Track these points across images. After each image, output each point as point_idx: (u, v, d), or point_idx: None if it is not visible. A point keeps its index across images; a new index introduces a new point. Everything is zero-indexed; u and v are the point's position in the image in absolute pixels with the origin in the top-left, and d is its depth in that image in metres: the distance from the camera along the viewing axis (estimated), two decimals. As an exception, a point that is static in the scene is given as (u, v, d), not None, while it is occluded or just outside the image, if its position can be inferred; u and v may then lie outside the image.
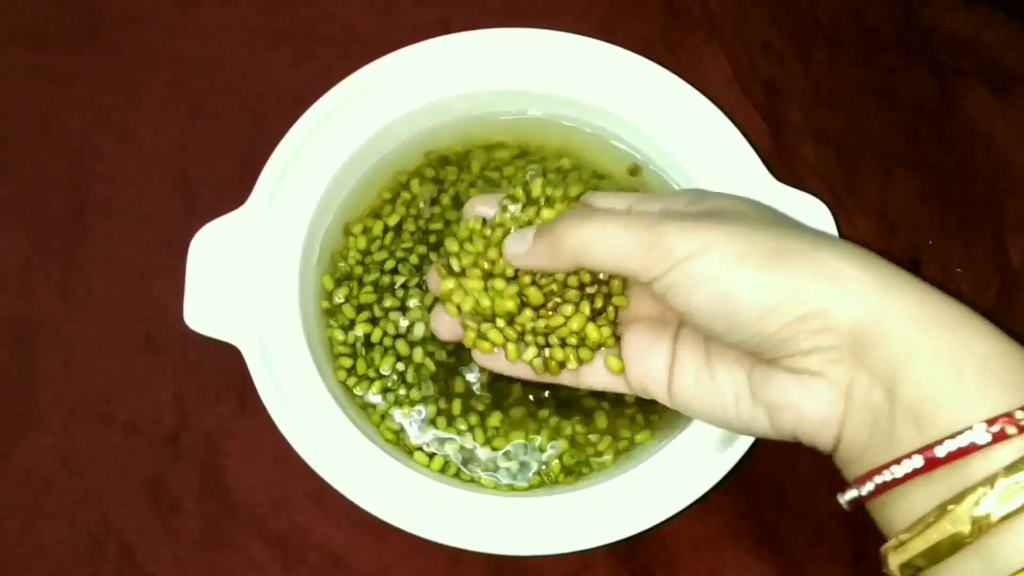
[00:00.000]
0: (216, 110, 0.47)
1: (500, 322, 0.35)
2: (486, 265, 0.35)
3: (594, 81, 0.43)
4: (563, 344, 0.35)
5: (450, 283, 0.36)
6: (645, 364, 0.35)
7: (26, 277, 0.44)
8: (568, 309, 0.35)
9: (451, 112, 0.44)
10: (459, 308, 0.36)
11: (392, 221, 0.42)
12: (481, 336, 0.35)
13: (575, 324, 0.35)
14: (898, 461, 0.28)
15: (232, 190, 0.40)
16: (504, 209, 0.36)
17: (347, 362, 0.40)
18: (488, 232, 0.36)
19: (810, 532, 0.40)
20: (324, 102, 0.41)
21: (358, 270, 0.41)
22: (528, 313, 0.35)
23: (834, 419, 0.30)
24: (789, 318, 0.30)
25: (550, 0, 0.49)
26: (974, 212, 0.46)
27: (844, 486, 0.31)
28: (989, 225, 0.46)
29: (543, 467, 0.39)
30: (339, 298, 0.41)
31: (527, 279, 0.35)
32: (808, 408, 0.31)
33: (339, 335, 0.40)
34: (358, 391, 0.39)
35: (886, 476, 0.29)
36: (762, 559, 0.39)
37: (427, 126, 0.43)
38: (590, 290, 0.35)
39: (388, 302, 0.41)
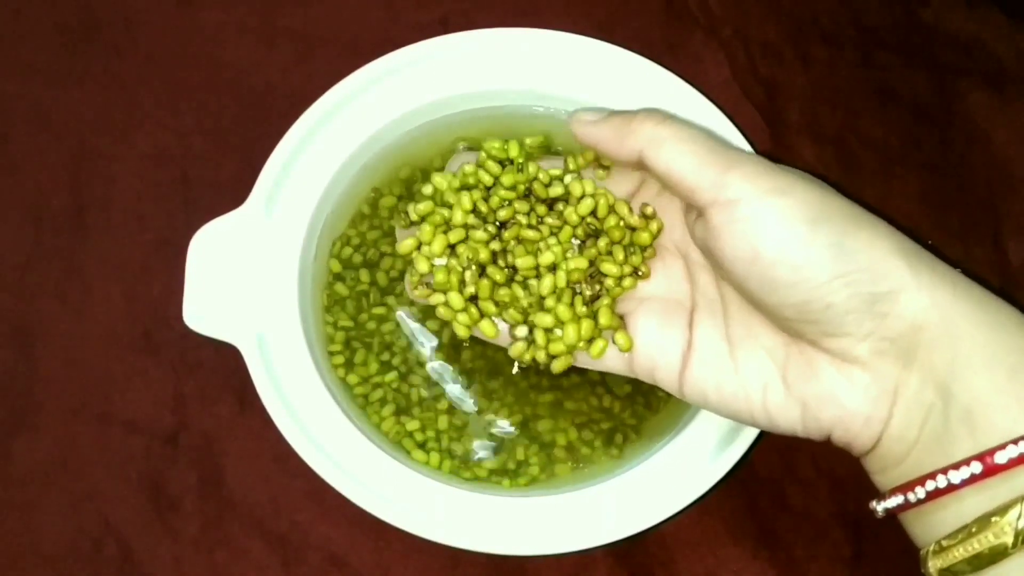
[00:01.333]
0: (216, 110, 0.47)
1: (467, 281, 0.34)
2: (445, 213, 0.35)
3: (594, 81, 0.43)
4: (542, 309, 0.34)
5: (409, 241, 0.35)
6: (655, 348, 0.33)
7: (25, 277, 0.44)
8: (547, 255, 0.34)
9: (451, 111, 0.44)
10: (421, 271, 0.35)
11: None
12: (446, 305, 0.35)
13: (546, 259, 0.34)
14: (956, 466, 0.27)
15: (231, 190, 0.40)
16: (481, 163, 0.36)
17: (344, 356, 0.40)
18: (454, 181, 0.36)
19: (810, 532, 0.40)
20: (324, 102, 0.41)
21: (358, 259, 0.41)
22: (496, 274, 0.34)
23: (878, 417, 0.29)
24: (859, 291, 0.28)
25: (550, 0, 0.49)
26: (973, 212, 0.46)
27: (877, 492, 0.30)
28: (988, 225, 0.46)
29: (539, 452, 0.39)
30: (341, 288, 0.41)
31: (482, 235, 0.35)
32: (852, 402, 0.29)
33: (341, 322, 0.40)
34: (355, 384, 0.39)
35: (940, 482, 0.27)
36: (761, 559, 0.39)
37: (427, 126, 0.43)
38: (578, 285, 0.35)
39: (389, 299, 0.41)
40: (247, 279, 0.39)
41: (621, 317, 0.35)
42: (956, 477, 0.27)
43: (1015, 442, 0.26)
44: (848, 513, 0.40)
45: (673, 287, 0.35)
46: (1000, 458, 0.26)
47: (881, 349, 0.29)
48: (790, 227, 0.29)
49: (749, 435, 0.36)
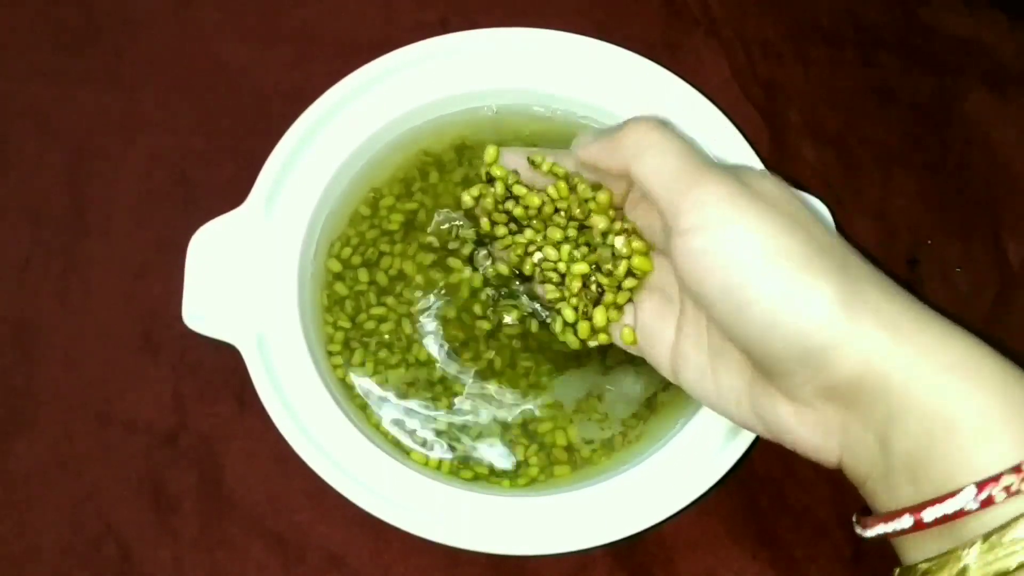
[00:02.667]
0: (215, 110, 0.47)
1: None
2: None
3: (594, 81, 0.43)
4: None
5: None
6: (653, 340, 0.35)
7: (25, 277, 0.44)
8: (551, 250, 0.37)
9: (450, 111, 0.44)
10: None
11: (394, 219, 0.42)
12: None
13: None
14: (892, 516, 0.28)
15: (231, 190, 0.40)
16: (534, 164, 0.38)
17: (344, 356, 0.40)
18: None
19: (809, 532, 0.40)
20: (323, 101, 0.41)
21: (357, 259, 0.41)
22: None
23: (828, 449, 0.30)
24: (792, 344, 0.28)
25: (550, 0, 0.49)
26: (973, 212, 0.46)
27: (859, 508, 0.31)
28: (988, 225, 0.46)
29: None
30: (340, 288, 0.41)
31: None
32: (802, 433, 0.30)
33: (341, 322, 0.40)
34: (354, 384, 0.39)
35: (880, 529, 0.28)
36: (761, 559, 0.39)
37: (426, 126, 0.44)
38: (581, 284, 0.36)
39: (388, 299, 0.41)
40: (246, 279, 0.39)
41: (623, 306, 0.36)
42: (892, 527, 0.28)
43: (941, 500, 0.26)
44: (848, 513, 0.40)
45: (668, 285, 0.35)
46: (927, 517, 0.27)
47: (823, 394, 0.29)
48: (736, 270, 0.29)
49: (749, 435, 0.36)
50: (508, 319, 0.40)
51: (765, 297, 0.28)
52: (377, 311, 0.41)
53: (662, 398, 0.40)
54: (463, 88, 0.43)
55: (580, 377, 0.40)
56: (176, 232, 0.40)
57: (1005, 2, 0.50)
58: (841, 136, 0.47)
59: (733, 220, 0.29)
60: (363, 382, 0.40)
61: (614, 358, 0.40)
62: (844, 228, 0.42)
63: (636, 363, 0.38)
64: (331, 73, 0.42)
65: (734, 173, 0.31)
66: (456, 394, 0.39)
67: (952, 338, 0.28)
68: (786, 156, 0.47)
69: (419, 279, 0.41)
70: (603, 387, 0.40)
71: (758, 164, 0.41)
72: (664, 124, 0.33)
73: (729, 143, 0.41)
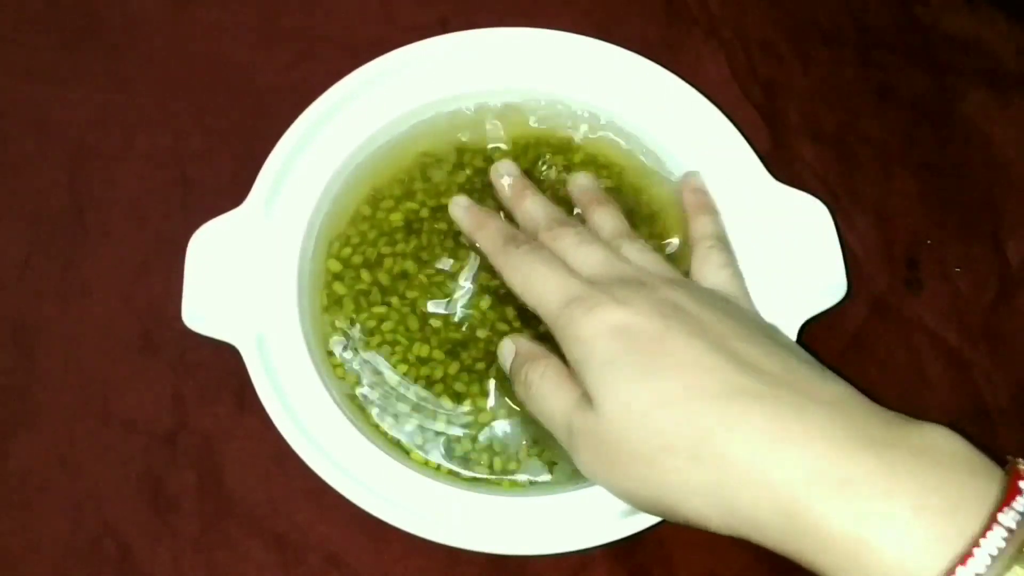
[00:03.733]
0: (215, 110, 0.47)
1: None
2: None
3: (594, 81, 0.43)
4: None
5: None
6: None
7: (24, 277, 0.44)
8: None
9: (450, 111, 0.44)
10: None
11: (394, 218, 0.42)
12: None
13: None
14: None
15: (231, 190, 0.40)
16: None
17: (342, 357, 0.40)
18: None
19: (809, 532, 0.40)
20: (322, 101, 0.41)
21: (357, 258, 0.41)
22: None
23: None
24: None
25: (549, 0, 0.49)
26: (973, 212, 0.46)
27: None
28: (987, 224, 0.46)
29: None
30: (340, 288, 0.41)
31: None
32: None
33: (340, 322, 0.40)
34: (354, 384, 0.39)
35: None
36: (761, 559, 0.39)
37: (426, 125, 0.44)
38: None
39: (391, 298, 0.41)
40: (246, 279, 0.39)
41: None
42: None
43: None
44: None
45: None
46: None
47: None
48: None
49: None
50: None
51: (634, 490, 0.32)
52: (378, 310, 0.41)
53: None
54: (463, 88, 0.43)
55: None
56: (176, 232, 0.40)
57: (1005, 2, 0.50)
58: (840, 136, 0.47)
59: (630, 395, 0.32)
60: (363, 382, 0.40)
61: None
62: (843, 228, 0.42)
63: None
64: (331, 73, 0.42)
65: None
66: (457, 393, 0.39)
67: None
68: (785, 156, 0.47)
69: (448, 245, 0.41)
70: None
71: (757, 164, 0.41)
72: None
73: (728, 143, 0.41)
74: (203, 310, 0.38)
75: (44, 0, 0.49)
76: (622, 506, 0.36)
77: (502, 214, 0.41)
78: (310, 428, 0.37)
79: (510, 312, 0.40)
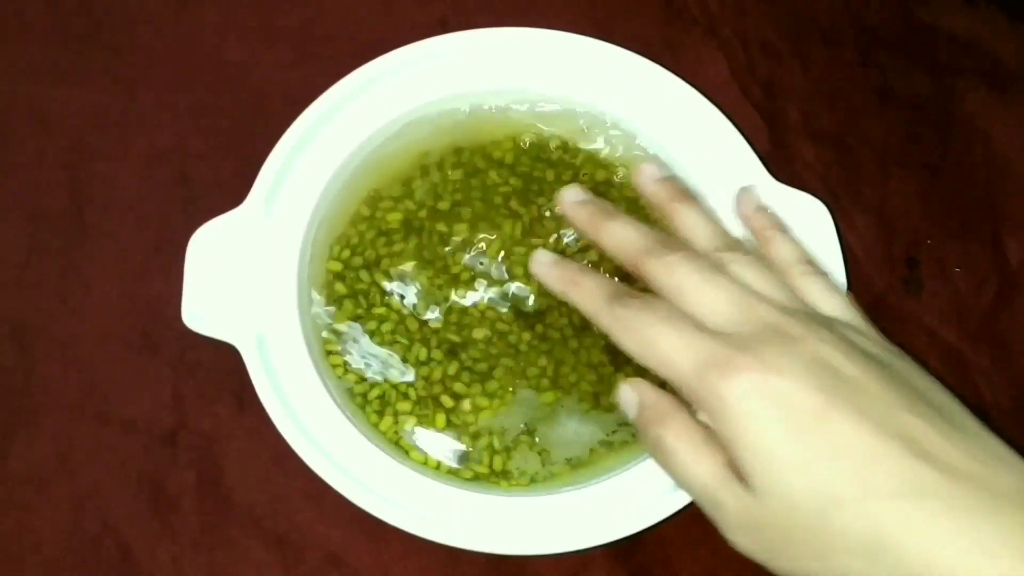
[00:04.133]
0: (215, 109, 0.47)
1: None
2: None
3: (593, 81, 0.43)
4: None
5: None
6: None
7: (24, 276, 0.44)
8: None
9: (449, 111, 0.44)
10: None
11: (393, 218, 0.42)
12: None
13: None
14: None
15: (231, 189, 0.40)
16: None
17: (342, 357, 0.40)
18: None
19: (809, 532, 0.40)
20: (322, 101, 0.41)
21: (357, 259, 0.41)
22: None
23: None
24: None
25: (549, 0, 0.49)
26: (973, 211, 0.46)
27: None
28: (988, 224, 0.46)
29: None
30: (340, 288, 0.41)
31: None
32: None
33: (340, 322, 0.40)
34: (354, 384, 0.39)
35: None
36: (761, 559, 0.39)
37: (426, 125, 0.43)
38: None
39: (391, 298, 0.41)
40: (246, 279, 0.39)
41: None
42: None
43: None
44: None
45: None
46: None
47: None
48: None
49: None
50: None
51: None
52: (378, 311, 0.41)
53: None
54: (462, 88, 0.43)
55: (581, 379, 0.40)
56: (175, 231, 0.40)
57: (1005, 1, 0.50)
58: (840, 136, 0.47)
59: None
60: (362, 381, 0.40)
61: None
62: (843, 227, 0.42)
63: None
64: (331, 73, 0.42)
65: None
66: (456, 393, 0.39)
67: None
68: (785, 155, 0.47)
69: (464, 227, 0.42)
70: (604, 387, 0.40)
71: (757, 164, 0.41)
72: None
73: (728, 143, 0.41)
74: (203, 310, 0.38)
75: (44, 0, 0.49)
76: (622, 506, 0.36)
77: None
78: (310, 428, 0.37)
79: (508, 315, 0.40)
